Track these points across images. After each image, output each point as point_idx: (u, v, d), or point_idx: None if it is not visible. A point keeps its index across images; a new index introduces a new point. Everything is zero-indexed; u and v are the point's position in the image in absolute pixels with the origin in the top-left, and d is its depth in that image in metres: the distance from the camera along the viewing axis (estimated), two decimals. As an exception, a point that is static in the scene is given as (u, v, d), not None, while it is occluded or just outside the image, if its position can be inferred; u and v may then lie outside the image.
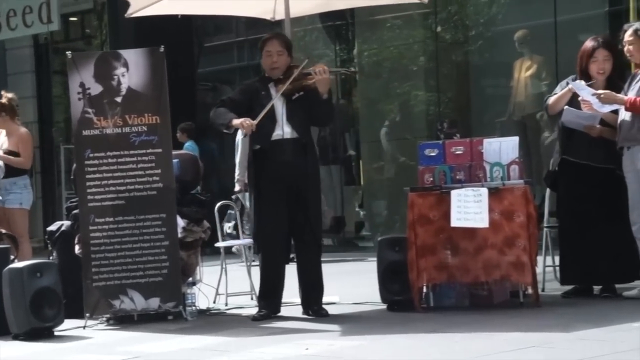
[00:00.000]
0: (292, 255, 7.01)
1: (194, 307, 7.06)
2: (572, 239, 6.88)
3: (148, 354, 5.90)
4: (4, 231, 7.88)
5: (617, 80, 6.80)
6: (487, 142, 6.76)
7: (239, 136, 10.03)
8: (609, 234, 6.76)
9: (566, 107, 6.81)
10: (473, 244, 6.53)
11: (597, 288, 6.94)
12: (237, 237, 9.48)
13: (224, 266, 7.69)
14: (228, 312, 7.38)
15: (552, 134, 10.01)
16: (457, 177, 6.68)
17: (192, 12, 9.31)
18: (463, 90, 12.14)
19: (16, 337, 6.63)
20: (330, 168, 12.84)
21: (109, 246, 6.97)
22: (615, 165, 6.76)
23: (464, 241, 6.54)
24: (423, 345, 5.61)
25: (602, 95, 6.64)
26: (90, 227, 6.98)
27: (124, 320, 7.01)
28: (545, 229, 7.34)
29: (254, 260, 7.91)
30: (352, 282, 8.58)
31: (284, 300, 6.92)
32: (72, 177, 7.73)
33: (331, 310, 6.84)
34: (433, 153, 6.78)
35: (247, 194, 10.11)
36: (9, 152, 8.76)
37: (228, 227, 9.96)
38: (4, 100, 8.98)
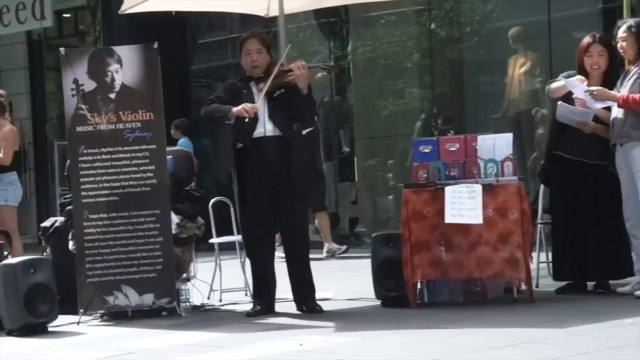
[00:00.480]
0: (281, 255, 7.02)
1: (188, 303, 7.06)
2: (565, 235, 6.89)
3: (142, 350, 5.90)
4: (-3, 228, 7.87)
5: (613, 76, 6.81)
6: (481, 138, 6.77)
7: None
8: (602, 231, 6.77)
9: (560, 102, 6.81)
10: (467, 240, 6.54)
11: (591, 284, 6.95)
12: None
13: (218, 262, 7.69)
14: (222, 308, 7.38)
15: (546, 131, 10.04)
16: (452, 173, 6.68)
17: (186, 8, 9.30)
18: (457, 87, 12.15)
19: (10, 333, 6.63)
20: (324, 164, 12.83)
21: (103, 242, 6.96)
22: (608, 162, 6.77)
23: (458, 237, 6.55)
24: (417, 341, 5.62)
25: (594, 92, 6.65)
26: (84, 224, 6.98)
27: (118, 316, 7.01)
28: (539, 226, 7.35)
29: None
30: (346, 278, 8.58)
31: (277, 296, 6.92)
32: (65, 173, 7.72)
33: (325, 306, 6.84)
34: (427, 149, 6.79)
35: None
36: None
37: None
38: None
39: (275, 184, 6.70)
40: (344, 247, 10.51)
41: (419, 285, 6.74)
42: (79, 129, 7.06)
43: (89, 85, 7.07)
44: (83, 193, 7.00)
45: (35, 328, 6.61)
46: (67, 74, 7.10)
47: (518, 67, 11.20)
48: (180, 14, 9.47)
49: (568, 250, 6.85)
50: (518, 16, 11.45)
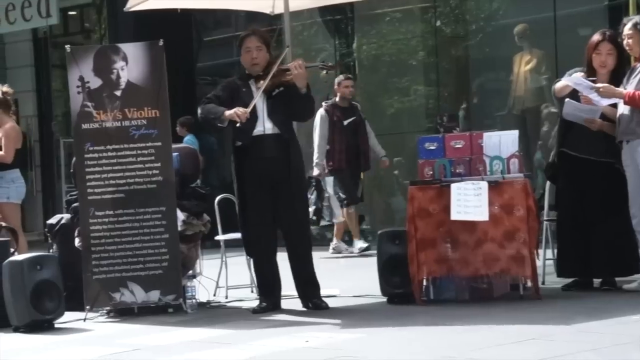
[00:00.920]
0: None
1: (194, 300, 7.07)
2: (571, 232, 6.89)
3: (148, 347, 5.90)
4: (4, 224, 7.88)
5: (620, 74, 6.80)
6: (487, 135, 6.76)
7: (317, 119, 9.96)
8: (608, 228, 6.76)
9: (567, 99, 6.81)
10: (473, 237, 6.54)
11: (597, 281, 6.95)
12: (317, 222, 9.35)
13: (224, 259, 7.70)
14: (228, 304, 7.39)
15: (552, 127, 10.02)
16: (457, 170, 6.68)
17: (192, 6, 9.31)
18: (463, 84, 12.15)
19: (16, 330, 6.64)
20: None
21: (109, 239, 6.97)
22: (614, 159, 6.77)
23: (464, 234, 6.55)
24: (423, 338, 5.62)
25: (601, 89, 6.64)
26: (90, 220, 6.99)
27: (124, 313, 7.02)
28: (545, 223, 7.35)
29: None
30: (352, 275, 8.59)
31: (283, 293, 6.93)
32: (71, 170, 7.73)
33: (331, 303, 6.85)
34: (433, 147, 6.79)
35: (327, 179, 10.15)
36: None
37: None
38: None
39: (274, 182, 6.72)
40: (355, 249, 10.38)
41: (424, 282, 6.74)
42: (85, 126, 7.08)
43: (95, 82, 7.08)
44: (89, 190, 7.01)
45: (41, 325, 6.62)
46: (73, 72, 7.11)
47: (524, 65, 11.20)
48: (185, 12, 9.47)
49: (574, 247, 6.84)
50: (524, 13, 11.44)
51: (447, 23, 12.18)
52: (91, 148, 7.04)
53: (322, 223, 9.02)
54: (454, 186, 6.55)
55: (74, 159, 7.30)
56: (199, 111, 6.86)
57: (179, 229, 7.09)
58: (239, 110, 6.59)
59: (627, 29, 6.76)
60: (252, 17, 11.25)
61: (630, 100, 6.58)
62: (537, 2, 11.27)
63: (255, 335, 6.01)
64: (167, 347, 5.84)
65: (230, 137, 6.92)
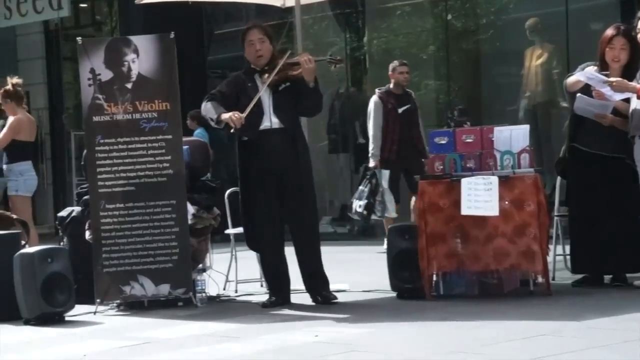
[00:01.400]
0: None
1: (203, 294, 7.09)
2: (582, 227, 6.86)
3: (158, 340, 5.92)
4: (15, 216, 7.90)
5: (634, 69, 6.76)
6: (497, 130, 6.74)
7: (371, 106, 9.54)
8: (619, 223, 6.74)
9: (579, 94, 6.78)
10: (483, 232, 6.52)
11: (607, 277, 6.93)
12: (367, 217, 8.99)
13: (234, 253, 7.70)
14: (238, 298, 7.40)
15: (563, 123, 9.99)
16: (468, 165, 6.67)
17: (203, -2, 9.30)
18: (473, 78, 12.11)
19: (27, 322, 6.66)
20: (339, 156, 12.83)
21: (120, 232, 6.98)
22: (625, 155, 6.74)
23: (474, 229, 6.54)
24: (432, 333, 5.61)
25: (614, 83, 6.61)
26: (101, 213, 7.00)
27: (134, 306, 7.03)
28: (555, 218, 7.33)
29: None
30: (361, 270, 8.59)
31: (292, 287, 6.93)
32: (82, 163, 7.74)
33: (341, 297, 6.84)
34: (443, 141, 6.77)
35: (383, 172, 9.38)
36: None
37: (359, 205, 9.16)
38: (8, 86, 8.98)
39: (281, 174, 6.71)
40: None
41: (434, 277, 6.73)
42: (96, 118, 7.08)
43: (106, 75, 7.08)
44: (100, 183, 7.03)
45: (52, 317, 6.64)
46: (84, 64, 7.12)
47: (535, 59, 11.15)
48: (196, 4, 9.47)
49: (585, 242, 6.82)
50: (535, 7, 11.40)
51: (457, 17, 12.14)
52: (102, 141, 7.05)
53: (373, 217, 8.67)
54: (464, 181, 6.53)
55: (85, 151, 7.31)
56: (202, 107, 6.85)
57: (189, 222, 7.10)
58: (235, 115, 6.56)
59: (640, 24, 6.72)
60: (263, 10, 11.25)
61: (642, 95, 6.55)
62: (549, -4, 11.23)
63: (264, 329, 6.01)
64: (177, 341, 5.85)
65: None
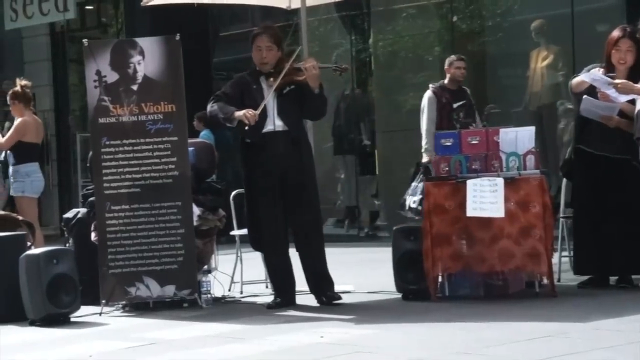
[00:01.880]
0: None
1: (209, 295, 7.09)
2: (587, 229, 6.86)
3: (163, 341, 5.92)
4: (21, 218, 7.92)
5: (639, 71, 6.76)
6: (503, 132, 6.74)
7: (425, 101, 9.27)
8: (625, 225, 6.73)
9: (585, 96, 6.77)
10: (489, 233, 6.52)
11: (613, 278, 6.92)
12: (420, 214, 8.88)
13: (239, 254, 7.71)
14: (243, 300, 7.41)
15: (568, 124, 9.98)
16: (473, 166, 6.67)
17: (208, 0, 9.31)
18: (479, 80, 12.10)
19: (32, 323, 6.68)
20: (345, 158, 12.82)
21: (125, 233, 6.99)
22: (631, 156, 6.73)
23: (480, 231, 6.54)
24: (438, 334, 5.61)
25: (619, 85, 6.60)
26: (107, 215, 7.01)
27: (139, 307, 7.05)
28: (561, 219, 7.32)
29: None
30: (366, 271, 8.59)
31: (297, 288, 6.93)
32: (88, 164, 7.76)
33: (346, 299, 6.85)
34: (449, 143, 6.77)
35: None
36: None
37: (413, 201, 8.80)
38: (17, 88, 9.01)
39: (284, 177, 6.72)
40: None
41: (439, 279, 6.73)
42: (102, 120, 7.10)
43: (112, 76, 7.10)
44: (105, 184, 7.04)
45: (57, 318, 6.65)
46: (90, 66, 7.13)
47: (540, 61, 11.14)
48: (202, 6, 9.48)
49: (590, 244, 6.81)
50: (541, 9, 11.39)
51: (463, 19, 12.13)
52: (107, 142, 7.06)
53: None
54: (469, 182, 6.53)
55: (91, 153, 7.33)
56: (208, 108, 6.86)
57: (195, 223, 7.11)
58: (249, 112, 6.58)
59: (646, 26, 6.72)
60: (269, 12, 11.25)
61: (648, 97, 6.54)
62: (555, -2, 11.22)
63: (269, 330, 6.01)
64: (182, 342, 5.86)
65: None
